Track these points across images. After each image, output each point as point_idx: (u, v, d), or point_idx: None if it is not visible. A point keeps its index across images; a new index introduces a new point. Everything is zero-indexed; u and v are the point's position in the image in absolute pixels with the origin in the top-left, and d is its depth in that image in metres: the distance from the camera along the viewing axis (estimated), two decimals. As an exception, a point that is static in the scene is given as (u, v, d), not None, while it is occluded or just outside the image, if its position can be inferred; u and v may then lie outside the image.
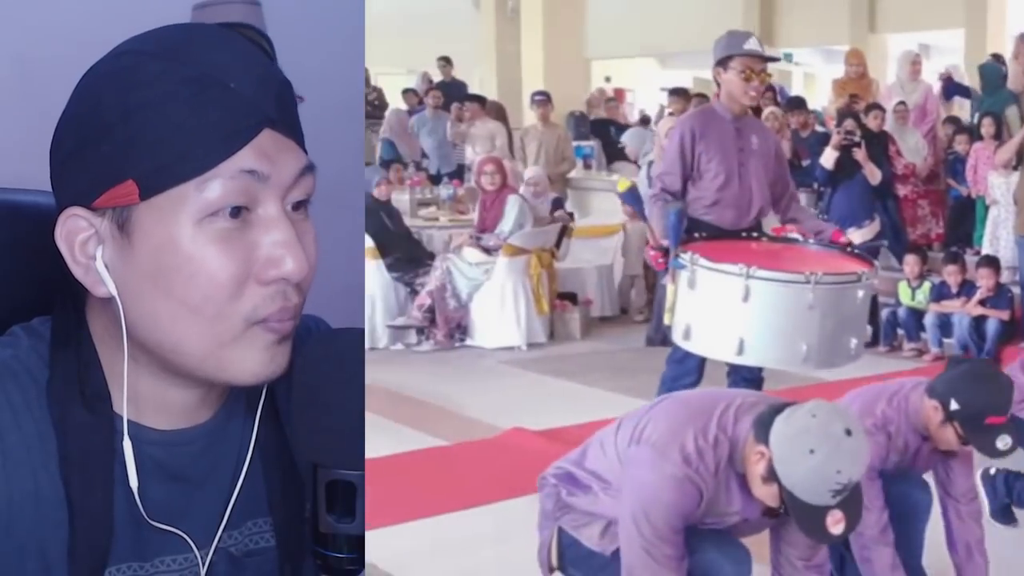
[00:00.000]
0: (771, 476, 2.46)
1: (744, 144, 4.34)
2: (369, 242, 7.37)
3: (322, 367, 1.37)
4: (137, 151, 1.31)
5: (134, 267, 1.35)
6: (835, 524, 2.42)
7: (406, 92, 12.74)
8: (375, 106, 12.59)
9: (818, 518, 2.41)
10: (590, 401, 5.59)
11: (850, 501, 2.42)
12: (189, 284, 1.33)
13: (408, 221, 7.93)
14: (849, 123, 7.55)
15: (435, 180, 9.94)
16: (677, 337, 4.18)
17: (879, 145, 7.75)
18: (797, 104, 9.01)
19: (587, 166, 11.11)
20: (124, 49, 1.38)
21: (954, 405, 2.99)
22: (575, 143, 10.75)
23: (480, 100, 10.65)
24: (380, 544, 3.74)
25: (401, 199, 8.31)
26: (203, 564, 1.50)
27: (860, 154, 7.36)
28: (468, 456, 5.02)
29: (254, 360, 1.38)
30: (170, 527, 1.45)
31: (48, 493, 1.38)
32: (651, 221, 4.36)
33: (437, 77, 13.30)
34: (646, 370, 5.07)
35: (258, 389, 1.49)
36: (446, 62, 13.31)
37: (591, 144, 11.44)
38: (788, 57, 16.20)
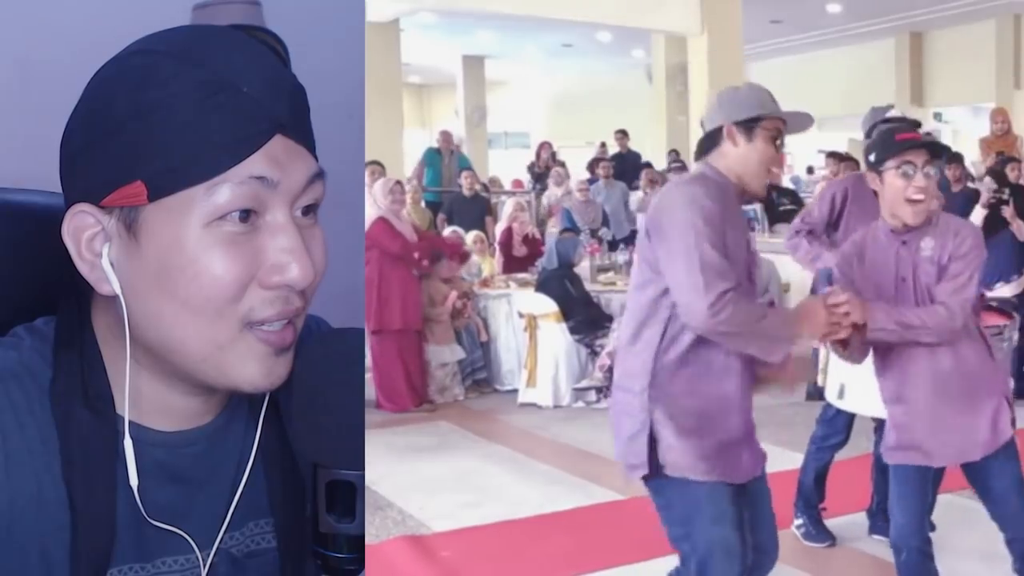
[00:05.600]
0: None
1: None
2: (553, 306, 7.36)
3: (322, 367, 1.30)
4: (147, 152, 1.23)
5: (140, 267, 1.27)
6: None
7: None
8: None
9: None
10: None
11: None
12: (192, 284, 1.25)
13: (588, 286, 7.87)
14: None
15: (611, 246, 9.87)
16: (831, 396, 4.21)
17: (1021, 199, 7.41)
18: (953, 159, 8.65)
19: (751, 228, 10.89)
20: (138, 48, 1.30)
21: (870, 154, 3.06)
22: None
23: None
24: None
25: (582, 265, 8.28)
26: (204, 565, 1.41)
27: (1008, 211, 7.06)
28: (645, 509, 4.93)
29: (252, 370, 1.30)
30: (172, 527, 1.37)
31: (50, 495, 1.30)
32: (797, 255, 4.41)
33: (614, 148, 13.31)
34: (805, 424, 4.91)
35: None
36: (623, 134, 13.38)
37: (754, 207, 11.25)
38: (937, 116, 15.78)
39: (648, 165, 11.71)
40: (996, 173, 7.43)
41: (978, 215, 7.03)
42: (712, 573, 2.69)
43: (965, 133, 16.37)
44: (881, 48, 16.76)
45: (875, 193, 4.15)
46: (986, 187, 7.17)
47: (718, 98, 2.84)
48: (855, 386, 4.05)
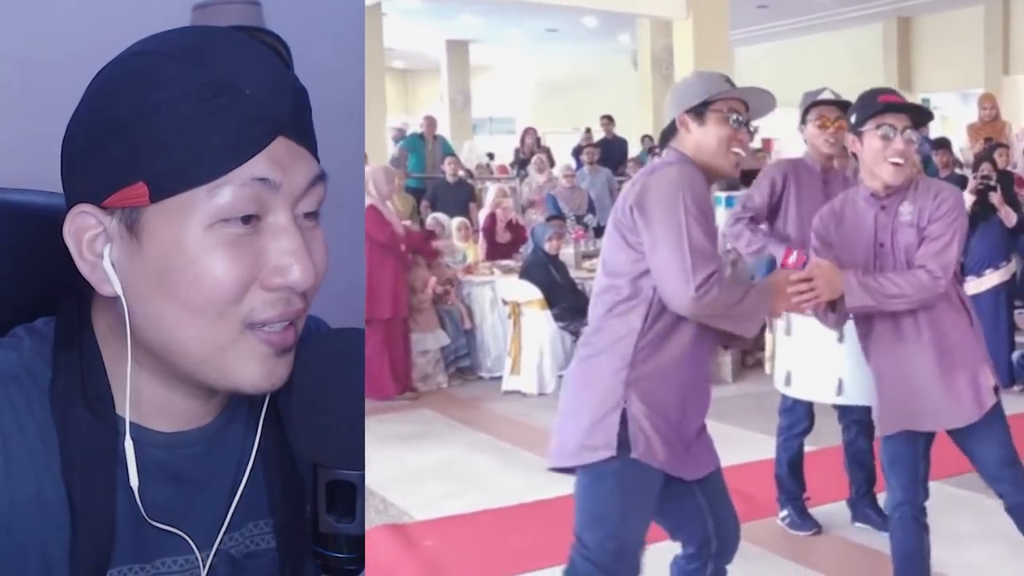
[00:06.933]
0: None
1: (831, 194, 4.25)
2: (538, 293, 7.39)
3: (322, 367, 1.31)
4: (149, 153, 1.24)
5: (141, 268, 1.28)
6: None
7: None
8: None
9: None
10: (744, 443, 5.47)
11: None
12: (193, 286, 1.26)
13: (573, 273, 7.90)
14: (985, 167, 7.24)
15: (597, 233, 9.89)
16: (779, 384, 4.24)
17: (1008, 184, 7.44)
18: (941, 144, 8.71)
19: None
20: (140, 49, 1.30)
21: (852, 116, 3.07)
22: (726, 193, 10.61)
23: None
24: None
25: (566, 252, 8.30)
26: (204, 566, 1.42)
27: (996, 197, 7.06)
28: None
29: (253, 372, 1.31)
30: (171, 528, 1.38)
31: (50, 495, 1.31)
32: (738, 243, 4.36)
33: (599, 133, 13.33)
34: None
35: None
36: (608, 120, 13.38)
37: (739, 194, 11.27)
38: (926, 102, 15.81)
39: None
40: (990, 160, 7.37)
41: (967, 202, 7.05)
42: (624, 565, 2.75)
43: (953, 119, 16.42)
44: (869, 33, 16.80)
45: (822, 175, 4.23)
46: (979, 174, 7.14)
47: (671, 92, 2.89)
48: (801, 372, 4.09)
